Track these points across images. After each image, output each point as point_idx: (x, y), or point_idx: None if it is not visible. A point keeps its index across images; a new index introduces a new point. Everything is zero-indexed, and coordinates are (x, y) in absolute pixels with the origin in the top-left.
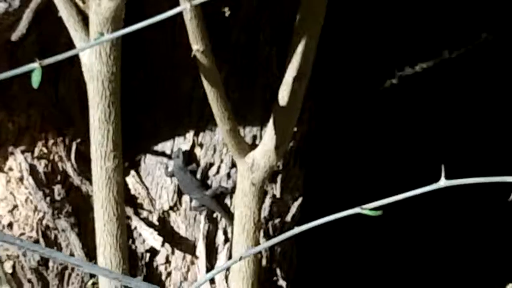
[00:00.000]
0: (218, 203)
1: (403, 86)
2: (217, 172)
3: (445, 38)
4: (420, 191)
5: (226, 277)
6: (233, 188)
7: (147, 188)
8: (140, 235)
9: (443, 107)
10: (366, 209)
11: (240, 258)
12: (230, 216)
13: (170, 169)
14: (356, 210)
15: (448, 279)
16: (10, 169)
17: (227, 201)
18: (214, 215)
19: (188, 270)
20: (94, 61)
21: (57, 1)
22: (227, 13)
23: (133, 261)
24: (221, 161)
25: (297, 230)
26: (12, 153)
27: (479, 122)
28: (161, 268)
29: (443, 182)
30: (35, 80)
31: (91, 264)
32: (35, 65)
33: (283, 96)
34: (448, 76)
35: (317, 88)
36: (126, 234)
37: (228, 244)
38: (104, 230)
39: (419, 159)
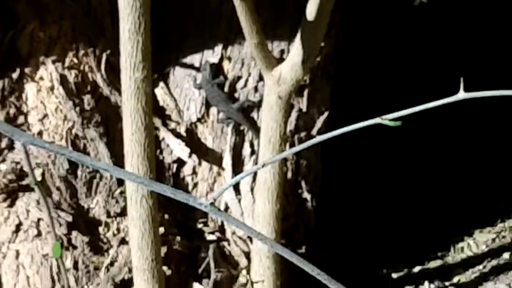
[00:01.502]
0: (245, 116)
1: (432, 4)
2: (245, 85)
3: None
4: (440, 102)
5: (252, 189)
6: (260, 102)
7: (175, 100)
8: (167, 145)
9: (471, 24)
10: (386, 119)
11: (264, 165)
12: (256, 129)
13: (198, 81)
14: (377, 120)
15: (472, 197)
16: (41, 78)
17: (254, 114)
18: (241, 128)
19: (215, 181)
20: None
21: None
22: None
23: (160, 171)
24: (249, 74)
25: (319, 138)
26: (43, 63)
27: (505, 41)
28: (188, 179)
29: (461, 95)
30: None
31: (118, 168)
32: None
33: (311, 11)
34: None
35: (345, 3)
36: (154, 144)
37: (254, 156)
38: (132, 140)
39: (444, 76)
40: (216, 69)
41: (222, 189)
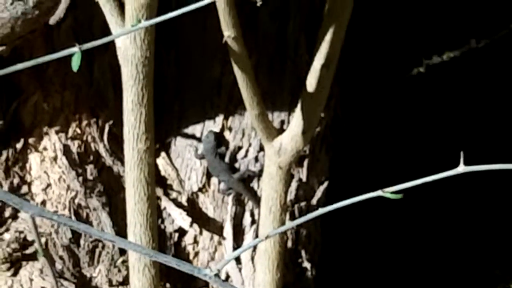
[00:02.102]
0: (245, 186)
1: (430, 74)
2: (245, 155)
3: (473, 27)
4: (440, 176)
5: (252, 258)
6: (260, 172)
7: (176, 170)
8: (169, 215)
9: (469, 97)
10: (387, 192)
11: (267, 237)
12: (256, 199)
13: (199, 151)
14: (378, 193)
15: (470, 264)
16: (45, 148)
17: (254, 184)
18: (242, 197)
19: (216, 250)
20: (128, 45)
21: None
22: (259, 3)
23: (162, 241)
24: (250, 144)
25: (321, 210)
26: (46, 133)
27: (505, 113)
28: (189, 248)
29: (461, 168)
30: (75, 64)
31: (123, 239)
32: (75, 49)
33: (311, 82)
34: (475, 65)
35: (344, 75)
36: (156, 213)
37: (254, 226)
38: (135, 210)
39: (442, 148)
40: (218, 139)
41: (226, 260)
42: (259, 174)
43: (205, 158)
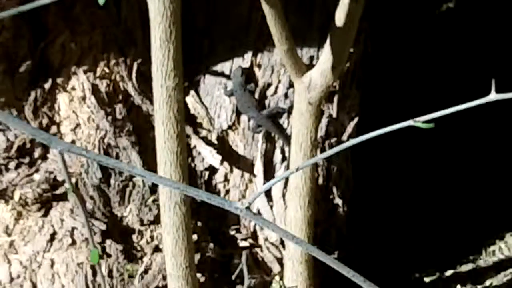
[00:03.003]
0: (274, 123)
1: (459, 9)
2: (275, 92)
3: None
4: (472, 104)
5: (283, 195)
6: (290, 108)
7: (206, 108)
8: (199, 153)
9: (499, 29)
10: (418, 121)
11: (297, 169)
12: (286, 136)
13: (229, 88)
14: (409, 122)
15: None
16: (73, 88)
17: (284, 121)
18: (272, 134)
19: (246, 188)
20: None
21: None
22: None
23: (192, 179)
24: (279, 81)
25: (351, 142)
26: (74, 73)
27: None
28: (220, 186)
29: (493, 96)
30: None
31: (153, 174)
32: None
33: (340, 17)
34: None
35: (373, 10)
36: (186, 151)
37: (285, 163)
38: (164, 147)
39: (472, 82)
40: (247, 75)
41: (257, 193)
42: (288, 111)
43: (234, 95)
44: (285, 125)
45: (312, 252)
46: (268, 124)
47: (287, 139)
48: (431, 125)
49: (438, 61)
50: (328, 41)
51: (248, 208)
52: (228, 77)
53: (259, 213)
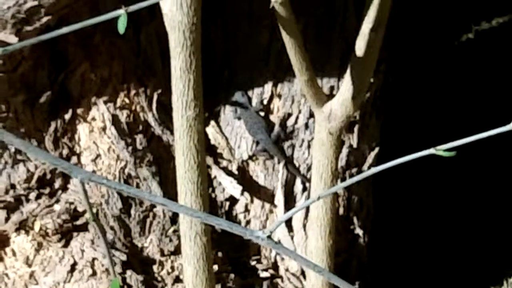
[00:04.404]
0: (279, 148)
1: (479, 40)
2: (295, 122)
3: None
4: (493, 132)
5: (304, 226)
6: (292, 133)
7: (226, 138)
8: (220, 184)
9: None
10: (440, 149)
11: (319, 198)
12: (292, 164)
13: (238, 112)
14: (431, 151)
15: None
16: (93, 119)
17: (305, 151)
18: (293, 165)
19: (267, 218)
20: (175, 11)
21: None
22: None
23: (213, 210)
24: (299, 111)
25: (372, 170)
26: (95, 104)
27: None
28: (240, 217)
29: None
30: (121, 26)
31: (175, 203)
32: (121, 11)
33: (360, 46)
34: None
35: (393, 40)
36: (206, 181)
37: (306, 193)
38: (185, 178)
39: (492, 113)
40: (248, 97)
41: (278, 222)
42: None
43: (241, 118)
44: (305, 155)
45: (334, 281)
46: (275, 149)
47: (294, 168)
48: (453, 153)
49: (457, 91)
50: (348, 71)
51: (269, 237)
52: (240, 105)
53: (279, 242)
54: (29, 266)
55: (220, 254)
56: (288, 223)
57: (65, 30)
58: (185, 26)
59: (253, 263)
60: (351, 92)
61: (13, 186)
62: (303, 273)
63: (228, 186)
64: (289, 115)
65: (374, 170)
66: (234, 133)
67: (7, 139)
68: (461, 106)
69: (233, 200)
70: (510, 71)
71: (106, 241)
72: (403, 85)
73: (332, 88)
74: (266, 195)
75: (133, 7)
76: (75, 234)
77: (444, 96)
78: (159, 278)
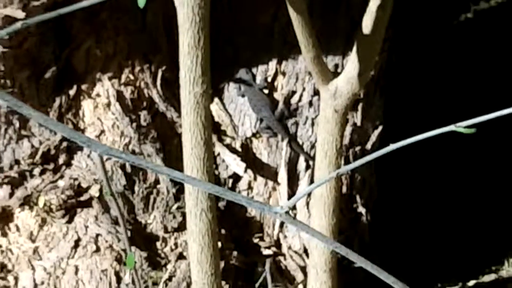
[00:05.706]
0: (283, 125)
1: (477, 20)
2: (299, 99)
3: None
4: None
5: (307, 204)
6: (295, 111)
7: (230, 115)
8: (223, 161)
9: None
10: (460, 126)
11: (325, 181)
12: (295, 141)
13: (242, 89)
14: (451, 127)
15: None
16: (98, 95)
17: (309, 129)
18: (297, 142)
19: (270, 196)
20: None
21: None
22: None
23: None
24: (303, 89)
25: (377, 153)
26: (99, 80)
27: None
28: (243, 194)
29: None
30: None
31: (194, 178)
32: None
33: (367, 24)
34: None
35: (398, 17)
36: (212, 158)
37: (309, 171)
38: (191, 154)
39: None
40: (253, 75)
41: (299, 196)
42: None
43: (245, 95)
44: (309, 133)
45: (352, 257)
46: (279, 127)
47: (297, 145)
48: (473, 130)
49: (463, 69)
50: (354, 48)
51: (287, 212)
52: (244, 81)
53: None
54: (33, 241)
55: (223, 231)
56: None
57: (71, 7)
58: (193, 1)
59: (255, 240)
60: (357, 70)
61: (17, 162)
62: (305, 251)
63: (232, 163)
64: (293, 92)
65: (378, 153)
66: (238, 110)
67: (25, 112)
68: (465, 84)
69: (236, 177)
70: (509, 50)
71: (123, 215)
72: (404, 65)
73: (336, 65)
74: (269, 173)
75: None
76: (79, 210)
77: (445, 75)
78: (163, 255)
